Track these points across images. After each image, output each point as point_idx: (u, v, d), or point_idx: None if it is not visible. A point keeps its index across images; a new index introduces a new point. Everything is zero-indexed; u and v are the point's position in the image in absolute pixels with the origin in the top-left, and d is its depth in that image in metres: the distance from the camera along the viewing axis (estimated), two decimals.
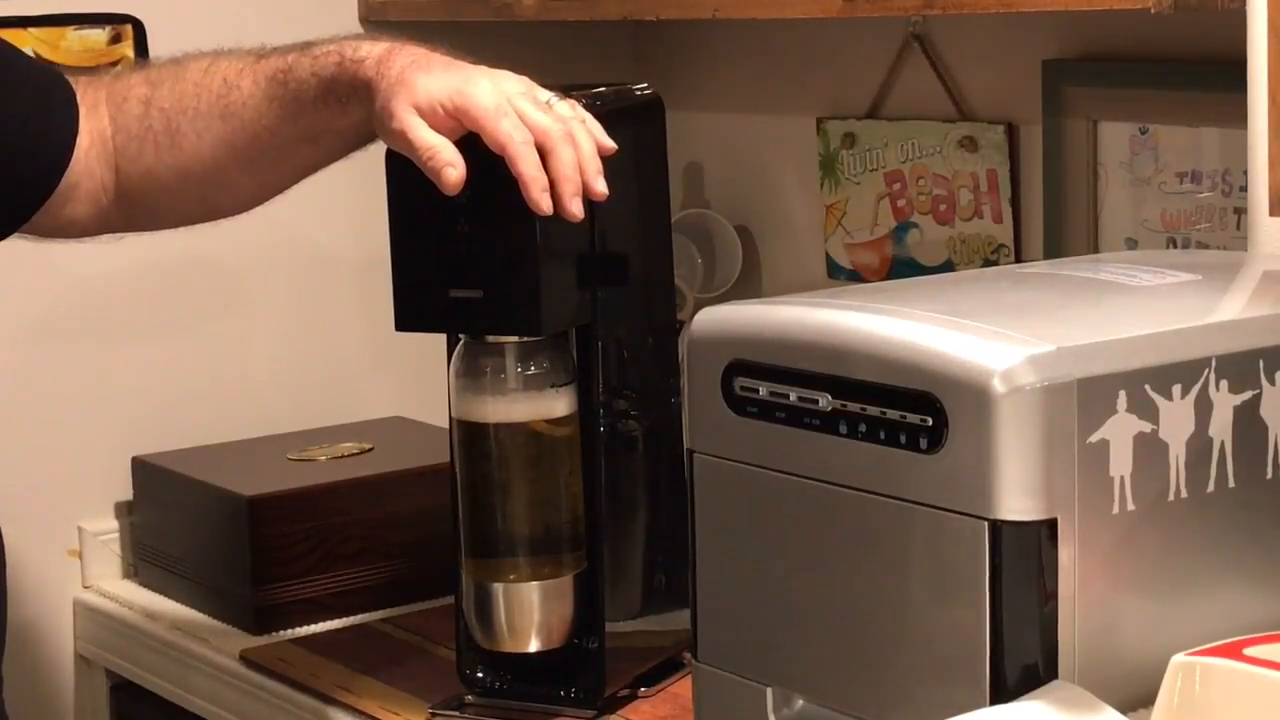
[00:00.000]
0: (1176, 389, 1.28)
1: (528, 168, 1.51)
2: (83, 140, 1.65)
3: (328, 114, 1.59)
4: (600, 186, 1.54)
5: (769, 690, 1.41)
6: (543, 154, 1.52)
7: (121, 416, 2.21)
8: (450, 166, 1.52)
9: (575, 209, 1.53)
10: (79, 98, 1.66)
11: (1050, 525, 1.24)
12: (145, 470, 2.16)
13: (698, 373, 1.42)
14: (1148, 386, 1.27)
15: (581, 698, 1.70)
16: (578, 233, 1.61)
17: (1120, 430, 1.26)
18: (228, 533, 2.02)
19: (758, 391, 1.37)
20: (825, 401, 1.32)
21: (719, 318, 1.42)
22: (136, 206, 1.68)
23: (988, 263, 2.13)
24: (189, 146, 1.64)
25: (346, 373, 2.35)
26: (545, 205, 1.52)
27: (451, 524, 1.71)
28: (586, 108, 1.59)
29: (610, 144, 1.57)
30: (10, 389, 2.16)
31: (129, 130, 1.66)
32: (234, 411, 2.27)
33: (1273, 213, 1.60)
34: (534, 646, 1.69)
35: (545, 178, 1.52)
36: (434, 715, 1.72)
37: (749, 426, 1.38)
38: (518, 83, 1.56)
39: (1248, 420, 1.32)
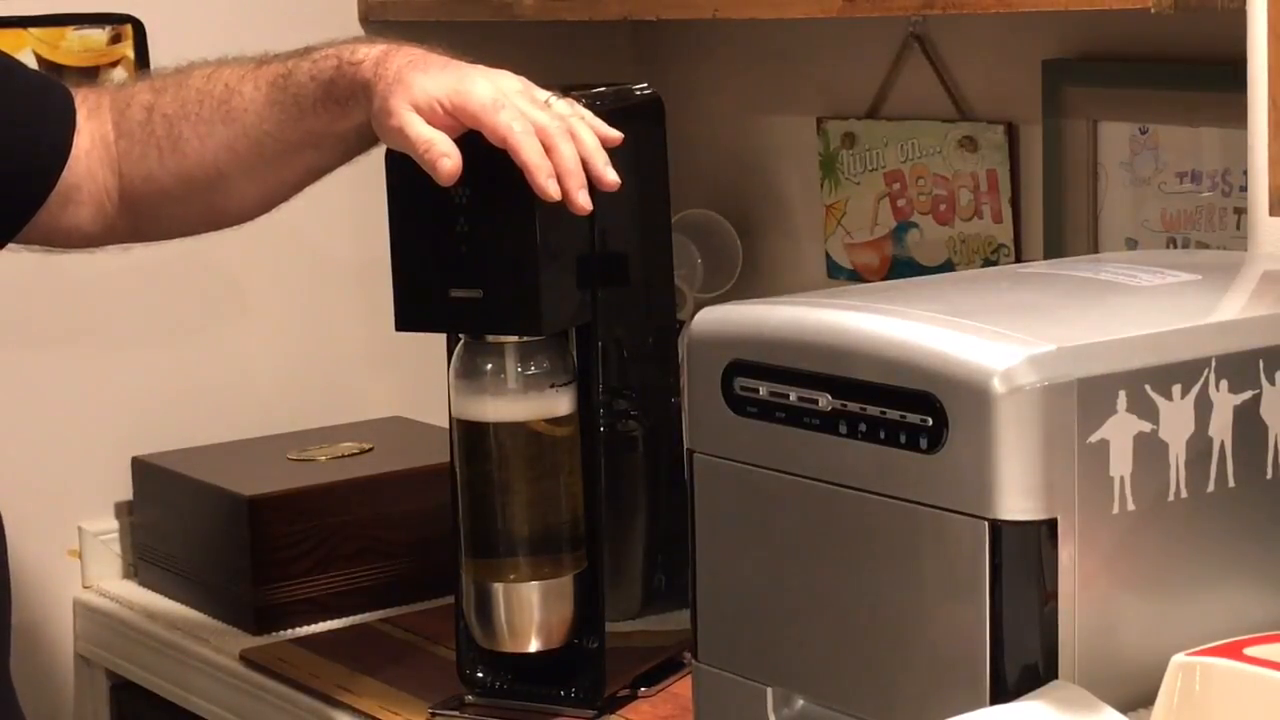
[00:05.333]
0: (1176, 389, 1.28)
1: (531, 155, 1.51)
2: (83, 141, 1.65)
3: (328, 117, 1.60)
4: (611, 176, 1.54)
5: (769, 690, 1.41)
6: (545, 150, 1.52)
7: (121, 416, 2.21)
8: (445, 157, 1.52)
9: (583, 201, 1.53)
10: (79, 101, 1.67)
11: (1050, 525, 1.24)
12: (145, 470, 2.16)
13: (698, 373, 1.42)
14: (1148, 386, 1.27)
15: (581, 698, 1.70)
16: (578, 232, 1.61)
17: (1120, 430, 1.26)
18: (228, 533, 2.02)
19: (758, 391, 1.37)
20: (825, 401, 1.32)
21: (719, 318, 1.42)
22: (140, 214, 1.69)
23: (988, 263, 2.13)
24: (192, 152, 1.65)
25: (346, 373, 2.35)
26: (553, 191, 1.51)
27: (451, 524, 1.71)
28: (586, 108, 1.59)
29: (614, 134, 1.57)
30: (11, 389, 2.16)
31: (132, 135, 1.66)
32: (234, 411, 2.27)
33: (1273, 213, 1.60)
34: (534, 646, 1.69)
35: (549, 164, 1.51)
36: (434, 715, 1.72)
37: (749, 426, 1.38)
38: (515, 81, 1.56)
39: (1248, 420, 1.32)
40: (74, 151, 1.65)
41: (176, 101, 1.65)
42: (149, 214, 1.69)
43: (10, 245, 1.66)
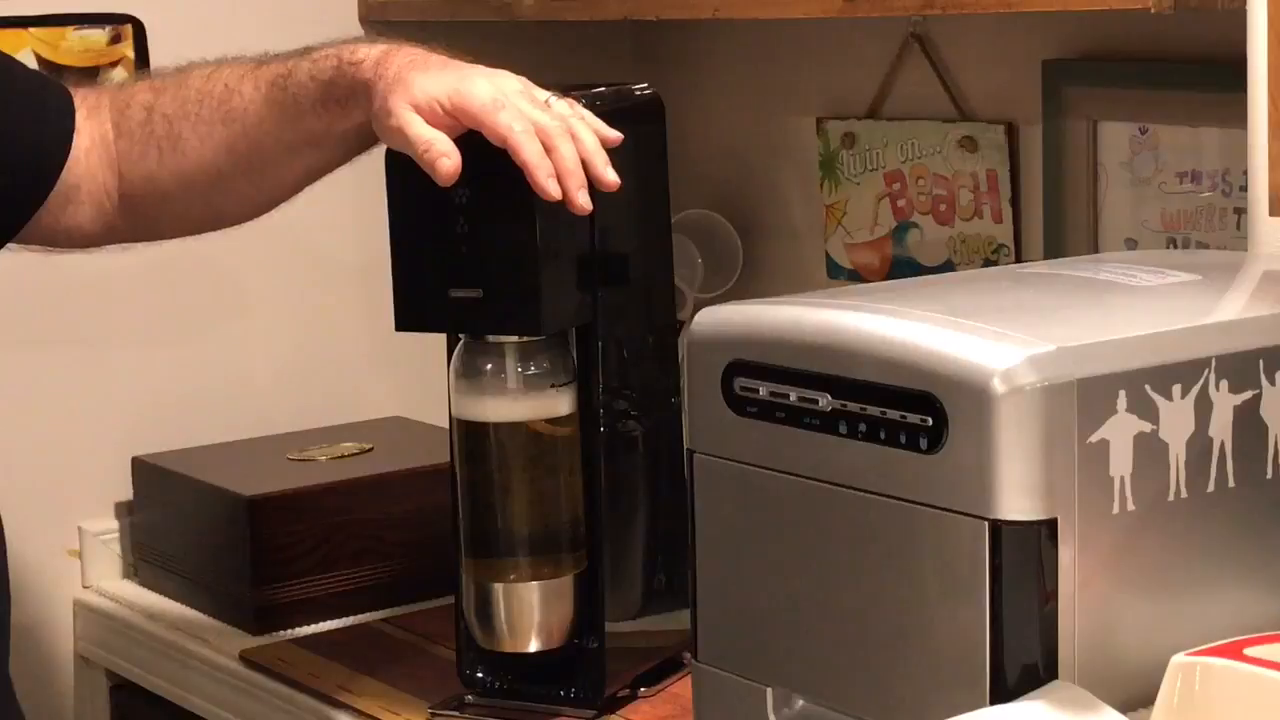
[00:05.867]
0: (1176, 389, 1.28)
1: (531, 155, 1.51)
2: (82, 141, 1.65)
3: (327, 117, 1.60)
4: (610, 176, 1.54)
5: (769, 690, 1.41)
6: (545, 150, 1.52)
7: (121, 416, 2.21)
8: (445, 157, 1.52)
9: (583, 201, 1.53)
10: (79, 101, 1.67)
11: (1050, 525, 1.24)
12: (145, 470, 2.16)
13: (698, 373, 1.42)
14: (1148, 386, 1.27)
15: (581, 698, 1.70)
16: (578, 233, 1.61)
17: (1120, 430, 1.26)
18: (228, 533, 2.02)
19: (758, 391, 1.37)
20: (825, 401, 1.32)
21: (719, 318, 1.42)
22: (140, 214, 1.69)
23: (988, 263, 2.13)
24: (191, 152, 1.65)
25: (346, 373, 2.35)
26: (553, 190, 1.51)
27: (451, 524, 1.71)
28: (587, 108, 1.59)
29: (614, 134, 1.57)
30: (11, 389, 2.16)
31: (132, 135, 1.66)
32: (234, 411, 2.27)
33: (1273, 213, 1.60)
34: (534, 646, 1.69)
35: (549, 163, 1.52)
36: (434, 715, 1.72)
37: (749, 426, 1.38)
38: (516, 82, 1.57)
39: (1248, 420, 1.32)
40: (73, 152, 1.65)
41: (176, 101, 1.65)
42: (149, 214, 1.69)
43: (10, 245, 1.66)
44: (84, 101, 1.67)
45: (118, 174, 1.67)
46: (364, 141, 1.62)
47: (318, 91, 1.59)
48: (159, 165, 1.66)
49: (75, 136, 1.65)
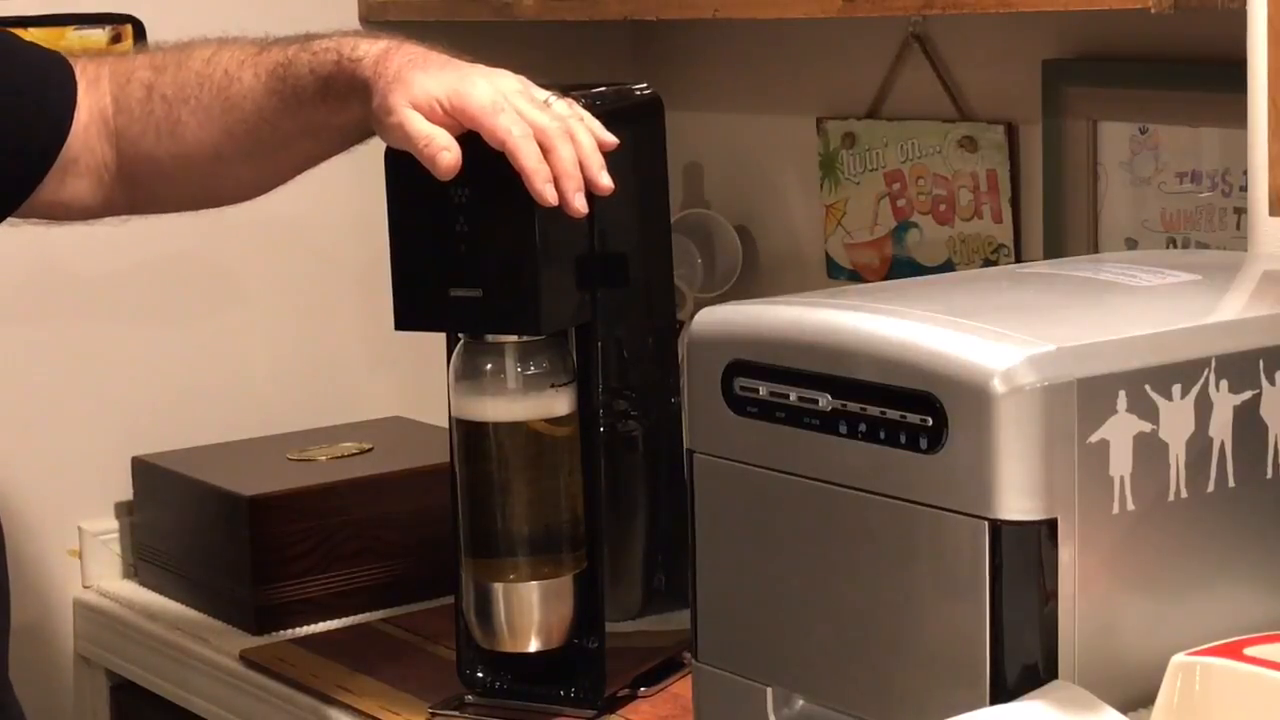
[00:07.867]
0: (1176, 389, 1.28)
1: (528, 160, 1.51)
2: (81, 115, 1.65)
3: (326, 110, 1.60)
4: (605, 180, 1.54)
5: (769, 690, 1.41)
6: (542, 152, 1.52)
7: (121, 416, 2.21)
8: (445, 150, 1.52)
9: (579, 204, 1.53)
10: (78, 74, 1.67)
11: (1050, 525, 1.24)
12: (145, 470, 2.16)
13: (698, 373, 1.42)
14: (1148, 386, 1.27)
15: (581, 698, 1.70)
16: (577, 232, 1.61)
17: (1120, 430, 1.26)
18: (228, 533, 2.02)
19: (758, 391, 1.37)
20: (825, 401, 1.32)
21: (719, 318, 1.42)
22: (138, 189, 1.69)
23: (988, 263, 2.13)
24: (190, 135, 1.65)
25: (346, 373, 2.35)
26: (549, 196, 1.52)
27: (451, 524, 1.71)
28: (586, 108, 1.59)
29: (610, 139, 1.57)
30: (11, 389, 2.16)
31: (131, 113, 1.66)
32: (234, 411, 2.27)
33: (1273, 213, 1.60)
34: (534, 646, 1.69)
35: (547, 169, 1.52)
36: (434, 715, 1.72)
37: (749, 426, 1.38)
38: (515, 82, 1.56)
39: (1248, 420, 1.32)
40: (73, 126, 1.65)
41: (176, 83, 1.65)
42: (146, 188, 1.69)
43: (10, 220, 1.66)
44: (84, 74, 1.67)
45: (116, 149, 1.67)
46: (362, 133, 1.62)
47: (316, 85, 1.59)
48: (157, 145, 1.65)
49: (75, 111, 1.65)
